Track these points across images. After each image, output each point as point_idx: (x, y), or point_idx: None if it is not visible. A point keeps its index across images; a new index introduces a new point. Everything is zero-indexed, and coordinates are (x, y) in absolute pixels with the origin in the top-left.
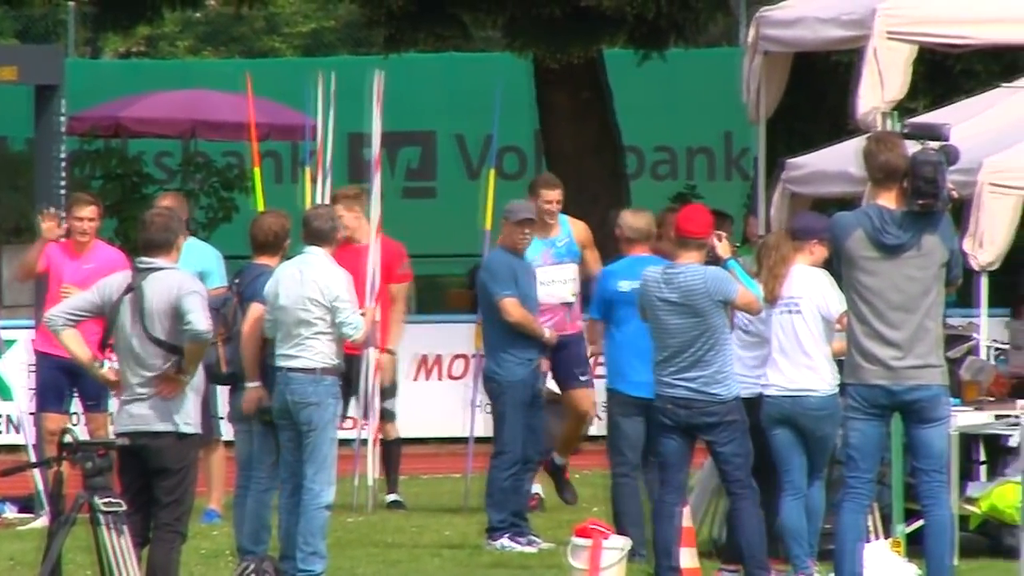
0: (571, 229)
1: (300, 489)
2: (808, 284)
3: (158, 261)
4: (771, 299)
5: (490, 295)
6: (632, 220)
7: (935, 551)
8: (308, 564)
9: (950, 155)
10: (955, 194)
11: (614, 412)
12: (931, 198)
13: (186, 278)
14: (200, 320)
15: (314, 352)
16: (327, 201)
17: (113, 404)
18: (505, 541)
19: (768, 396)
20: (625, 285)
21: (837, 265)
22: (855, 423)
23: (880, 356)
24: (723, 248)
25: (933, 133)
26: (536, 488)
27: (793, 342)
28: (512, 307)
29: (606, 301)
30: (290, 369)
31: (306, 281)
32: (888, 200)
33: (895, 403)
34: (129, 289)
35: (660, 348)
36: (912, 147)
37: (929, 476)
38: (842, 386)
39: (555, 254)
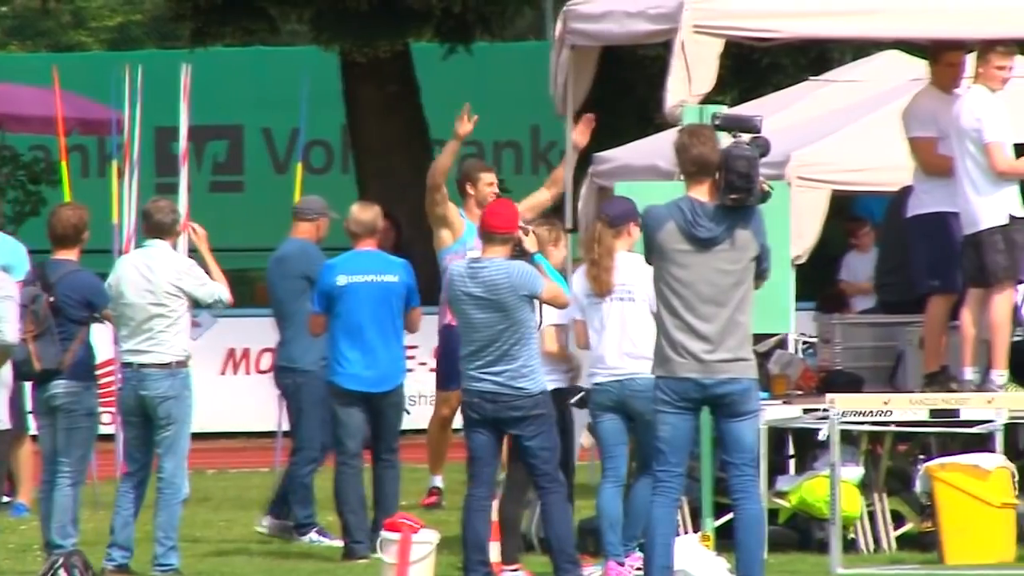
0: None
1: (143, 483)
2: (639, 273)
3: None
4: (604, 291)
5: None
6: (359, 214)
7: (746, 545)
8: (168, 558)
9: (762, 147)
10: (766, 187)
11: (334, 404)
12: (744, 192)
13: (3, 280)
14: (10, 331)
15: (167, 346)
16: (135, 196)
17: None
18: (314, 535)
19: (596, 384)
20: (343, 279)
21: (647, 257)
22: (665, 416)
23: (691, 349)
24: (530, 243)
25: (745, 125)
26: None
27: (621, 330)
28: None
29: (325, 294)
30: (142, 365)
31: (158, 275)
32: (700, 193)
33: (705, 396)
34: None
35: (467, 342)
36: (725, 139)
37: (739, 470)
38: None
39: None
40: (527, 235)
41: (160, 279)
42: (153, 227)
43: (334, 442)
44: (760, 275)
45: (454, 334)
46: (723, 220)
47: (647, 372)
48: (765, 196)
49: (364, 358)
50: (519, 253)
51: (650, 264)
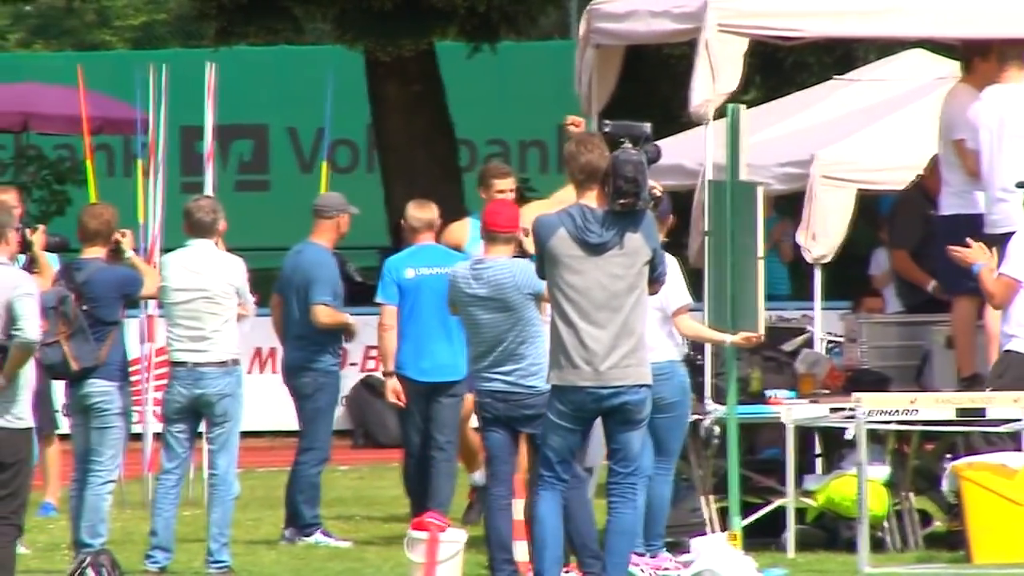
0: None
1: (181, 481)
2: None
3: None
4: None
5: (309, 295)
6: (418, 211)
7: (616, 549)
8: (222, 555)
9: (651, 153)
10: (657, 192)
11: (409, 399)
12: (632, 197)
13: (21, 277)
14: (32, 328)
15: (222, 344)
16: (160, 196)
17: None
18: (319, 536)
19: None
20: (411, 272)
21: (540, 267)
22: (557, 425)
23: (585, 357)
24: (529, 243)
25: (633, 132)
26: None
27: None
28: (323, 314)
29: (395, 287)
30: (197, 364)
31: (212, 274)
32: (590, 200)
33: (600, 406)
34: None
35: (473, 344)
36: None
37: (623, 478)
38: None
39: None
40: (527, 236)
41: (215, 278)
42: (194, 225)
43: (405, 439)
44: (655, 280)
45: None
46: (613, 225)
47: (655, 358)
48: (656, 201)
49: (445, 349)
50: (519, 254)
51: (543, 274)
